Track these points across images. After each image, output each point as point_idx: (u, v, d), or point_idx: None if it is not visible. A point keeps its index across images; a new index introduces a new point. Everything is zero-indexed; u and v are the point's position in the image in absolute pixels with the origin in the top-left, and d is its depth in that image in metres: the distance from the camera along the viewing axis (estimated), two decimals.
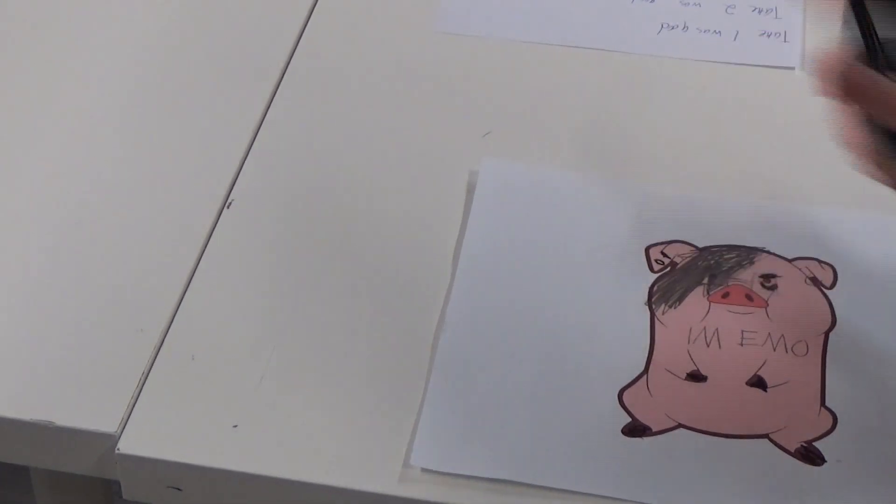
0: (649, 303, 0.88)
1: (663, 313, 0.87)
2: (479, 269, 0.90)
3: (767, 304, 0.88)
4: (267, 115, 1.01)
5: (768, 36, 1.09)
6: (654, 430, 0.81)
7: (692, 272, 0.89)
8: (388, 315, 0.87)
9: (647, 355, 0.85)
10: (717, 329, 0.86)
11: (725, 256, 0.90)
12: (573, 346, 0.85)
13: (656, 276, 0.89)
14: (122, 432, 0.81)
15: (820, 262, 0.89)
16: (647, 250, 0.91)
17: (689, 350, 0.85)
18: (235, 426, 0.81)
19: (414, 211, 0.94)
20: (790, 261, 0.90)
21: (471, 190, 0.95)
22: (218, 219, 0.93)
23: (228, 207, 0.94)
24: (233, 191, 0.96)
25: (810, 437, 0.80)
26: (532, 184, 0.96)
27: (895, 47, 0.72)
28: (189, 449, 0.80)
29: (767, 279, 0.89)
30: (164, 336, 0.86)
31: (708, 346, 0.85)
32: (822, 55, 0.70)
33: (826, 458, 0.79)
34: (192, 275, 0.90)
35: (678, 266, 0.90)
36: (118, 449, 0.80)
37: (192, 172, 0.97)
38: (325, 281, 0.89)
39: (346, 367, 0.84)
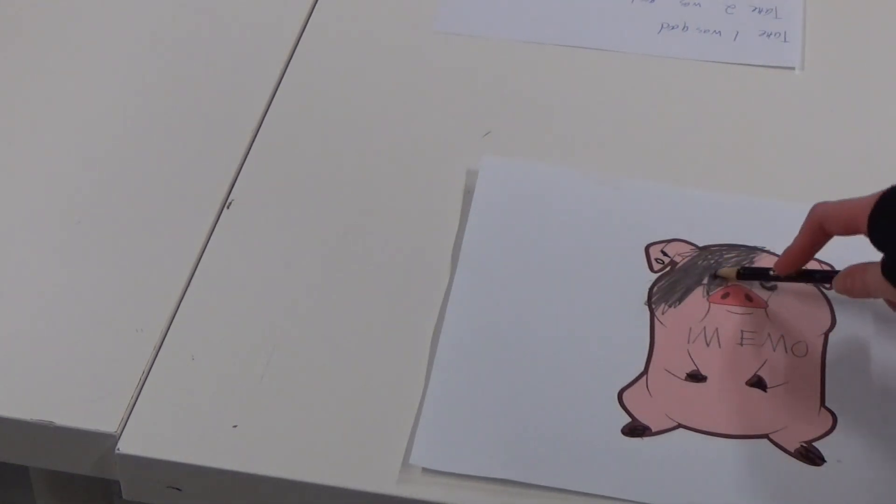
0: (649, 303, 0.88)
1: (663, 313, 0.87)
2: (479, 268, 0.90)
3: (767, 305, 0.88)
4: (267, 115, 1.01)
5: (768, 36, 1.09)
6: (653, 430, 0.81)
7: (692, 272, 0.90)
8: (388, 315, 0.87)
9: (647, 355, 0.85)
10: (716, 329, 0.86)
11: (725, 256, 0.90)
12: (573, 346, 0.85)
13: (656, 275, 0.89)
14: (122, 432, 0.81)
15: (820, 262, 0.89)
16: (647, 249, 0.91)
17: (688, 350, 0.85)
18: (235, 426, 0.81)
19: (414, 211, 0.94)
20: None
21: (470, 189, 0.95)
22: (218, 219, 0.93)
23: (228, 207, 0.94)
24: (233, 191, 0.96)
25: (810, 437, 0.80)
26: (532, 182, 0.96)
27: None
28: (189, 449, 0.80)
29: (766, 279, 0.89)
30: (164, 336, 0.86)
31: (708, 346, 0.85)
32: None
33: (826, 458, 0.79)
34: (192, 275, 0.90)
35: (678, 265, 0.90)
36: (118, 449, 0.80)
37: (192, 172, 0.97)
38: (325, 281, 0.89)
39: (346, 366, 0.84)
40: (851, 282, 0.83)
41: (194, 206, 0.94)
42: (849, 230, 0.81)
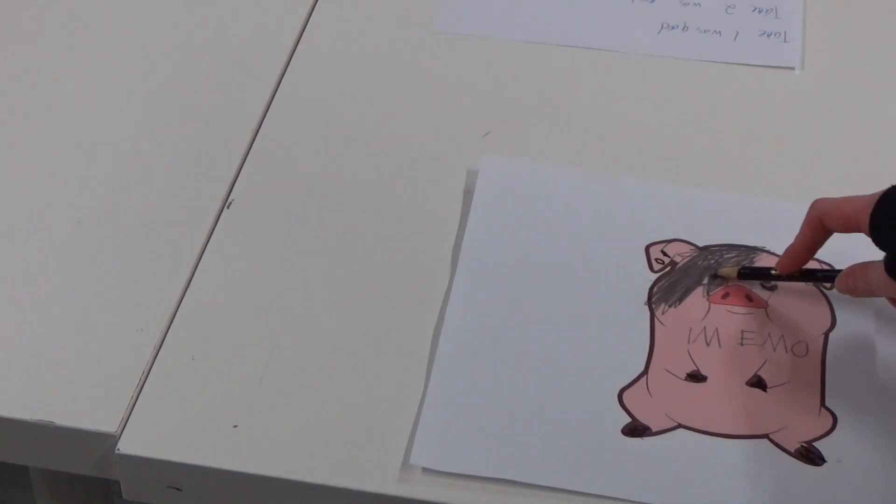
0: (649, 303, 0.88)
1: (663, 313, 0.87)
2: (479, 267, 0.90)
3: (767, 305, 0.88)
4: (267, 115, 1.01)
5: (768, 36, 1.09)
6: (654, 430, 0.81)
7: (692, 272, 0.89)
8: (388, 315, 0.87)
9: (647, 355, 0.85)
10: (717, 329, 0.86)
11: (726, 256, 0.90)
12: (573, 346, 0.85)
13: (656, 275, 0.89)
14: (122, 432, 0.81)
15: (820, 262, 0.89)
16: (647, 249, 0.91)
17: (689, 350, 0.85)
18: (235, 426, 0.81)
19: (414, 211, 0.94)
20: None
21: (470, 189, 0.95)
22: (218, 219, 0.93)
23: (228, 207, 0.94)
24: (233, 191, 0.96)
25: (810, 437, 0.80)
26: (532, 182, 0.96)
27: None
28: (189, 449, 0.80)
29: (767, 279, 0.89)
30: (164, 336, 0.86)
31: (708, 346, 0.85)
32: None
33: (826, 458, 0.79)
34: (192, 275, 0.90)
35: (678, 265, 0.90)
36: (118, 449, 0.80)
37: (192, 172, 0.97)
38: (325, 281, 0.89)
39: (346, 366, 0.84)
40: (853, 281, 0.83)
41: (194, 206, 0.94)
42: (849, 228, 0.81)
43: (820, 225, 0.84)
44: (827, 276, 0.87)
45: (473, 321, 0.87)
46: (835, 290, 0.87)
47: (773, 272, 0.88)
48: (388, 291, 0.89)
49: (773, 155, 0.99)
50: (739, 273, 0.88)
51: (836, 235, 0.84)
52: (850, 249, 0.82)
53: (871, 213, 0.78)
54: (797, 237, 0.86)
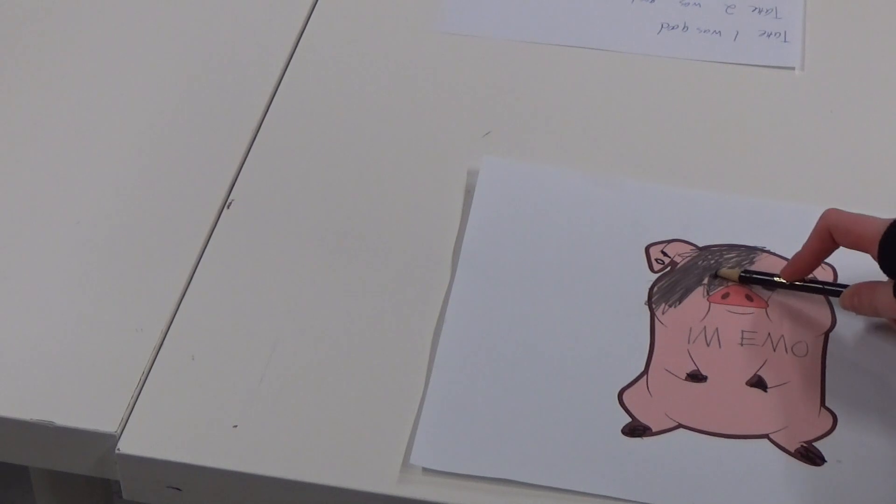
0: (649, 303, 0.88)
1: (663, 313, 0.87)
2: (479, 267, 0.90)
3: (767, 305, 0.88)
4: (267, 115, 1.01)
5: (768, 36, 1.09)
6: (654, 430, 0.81)
7: (692, 272, 0.90)
8: (388, 315, 0.87)
9: (647, 355, 0.85)
10: (717, 329, 0.86)
11: (726, 256, 0.90)
12: (573, 346, 0.85)
13: (656, 275, 0.89)
14: (122, 432, 0.81)
15: (824, 265, 0.89)
16: (647, 249, 0.91)
17: (689, 350, 0.85)
18: (235, 426, 0.81)
19: (414, 211, 0.94)
20: None
21: (470, 189, 0.95)
22: (218, 219, 0.93)
23: (228, 207, 0.94)
24: (233, 191, 0.96)
25: (810, 437, 0.80)
26: (532, 182, 0.96)
27: None
28: (189, 449, 0.80)
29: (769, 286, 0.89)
30: (164, 336, 0.86)
31: (708, 345, 0.85)
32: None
33: (826, 458, 0.79)
34: (192, 275, 0.90)
35: (678, 265, 0.90)
36: (118, 449, 0.80)
37: (192, 172, 0.97)
38: (325, 281, 0.89)
39: (346, 366, 0.84)
40: (859, 301, 0.83)
41: (194, 206, 0.94)
42: (857, 247, 0.82)
43: (829, 236, 0.84)
44: (831, 291, 0.87)
45: (473, 321, 0.87)
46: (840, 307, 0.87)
47: (776, 279, 0.88)
48: (388, 291, 0.89)
49: (773, 155, 0.99)
50: (741, 277, 0.88)
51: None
52: (856, 254, 0.83)
53: (881, 240, 0.78)
54: (805, 245, 0.85)
